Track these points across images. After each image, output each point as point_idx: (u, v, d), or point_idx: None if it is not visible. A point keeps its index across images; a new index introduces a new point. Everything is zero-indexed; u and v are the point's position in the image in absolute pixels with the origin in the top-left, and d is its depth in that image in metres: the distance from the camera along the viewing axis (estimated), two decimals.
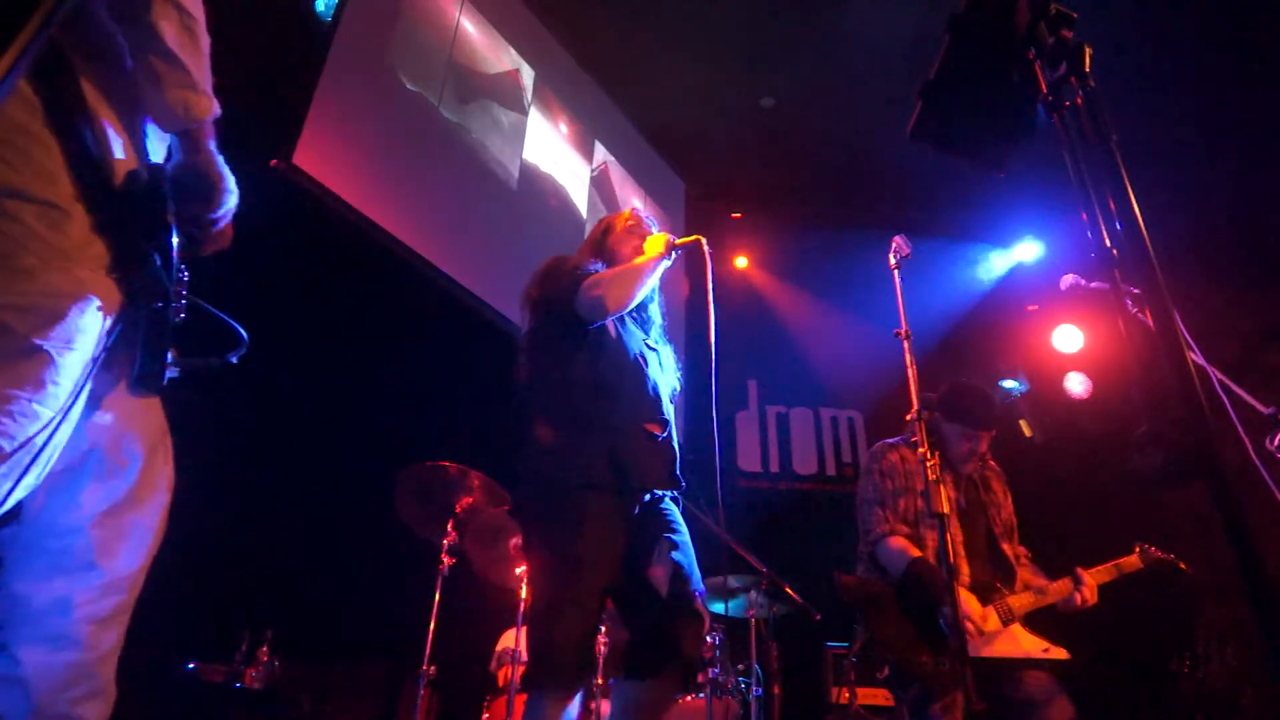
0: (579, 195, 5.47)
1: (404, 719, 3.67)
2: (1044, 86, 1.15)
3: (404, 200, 4.06)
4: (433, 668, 2.96)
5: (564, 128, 5.46)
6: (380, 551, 3.72)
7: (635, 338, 2.36)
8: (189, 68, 1.18)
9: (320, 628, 3.57)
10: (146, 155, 1.28)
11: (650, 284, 2.34)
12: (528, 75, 5.18)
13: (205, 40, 1.22)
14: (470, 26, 4.79)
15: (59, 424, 1.10)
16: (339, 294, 4.00)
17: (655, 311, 2.53)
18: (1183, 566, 2.89)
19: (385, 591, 3.76)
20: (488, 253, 4.56)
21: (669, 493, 2.14)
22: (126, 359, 1.25)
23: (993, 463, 3.04)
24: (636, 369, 2.25)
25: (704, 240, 2.37)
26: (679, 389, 2.45)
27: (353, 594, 3.74)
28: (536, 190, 5.09)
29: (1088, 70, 1.12)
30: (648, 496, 2.09)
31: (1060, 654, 2.52)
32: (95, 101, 1.17)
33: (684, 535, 2.12)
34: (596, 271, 2.28)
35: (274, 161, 3.39)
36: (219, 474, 3.00)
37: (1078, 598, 2.65)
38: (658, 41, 5.28)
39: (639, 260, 2.35)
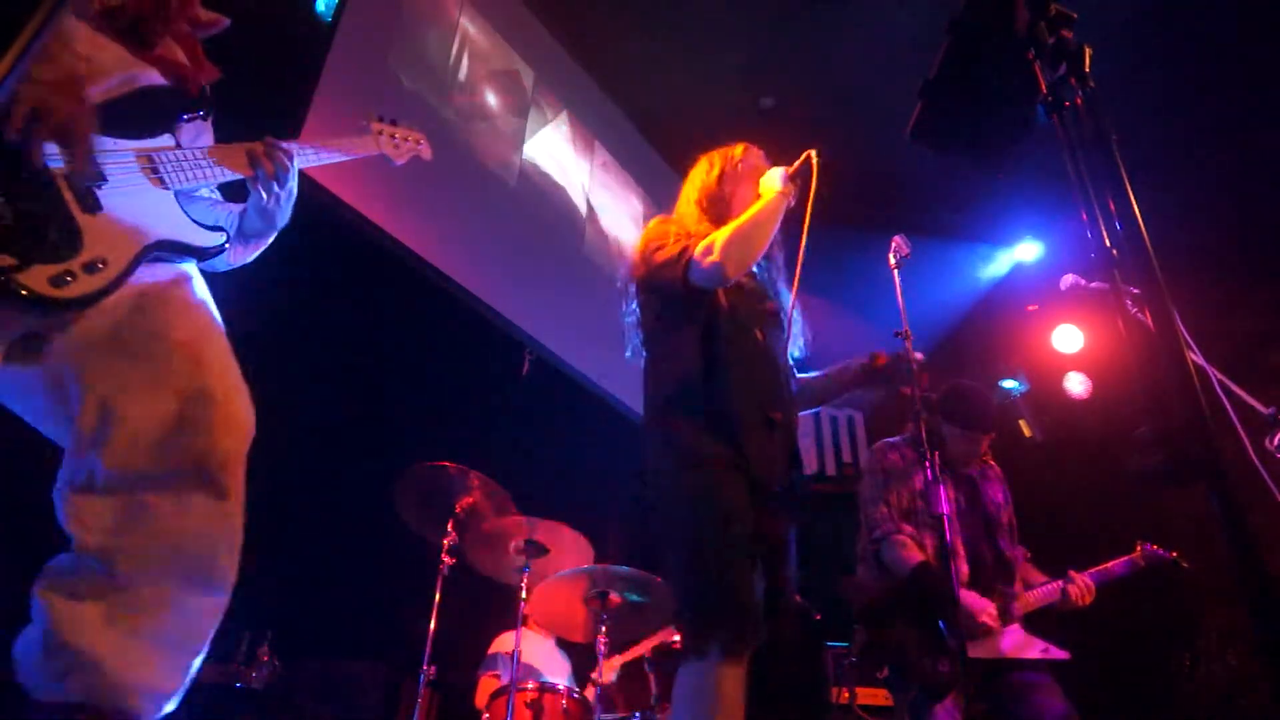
0: (579, 195, 5.46)
1: (404, 719, 3.67)
2: (1044, 87, 1.15)
3: (403, 200, 4.06)
4: (433, 668, 2.96)
5: (564, 127, 5.46)
6: (380, 551, 3.71)
7: (750, 300, 2.11)
8: None
9: (320, 628, 3.57)
10: None
11: (773, 232, 2.05)
12: (528, 75, 5.18)
13: None
14: (470, 27, 4.79)
15: None
16: (338, 294, 4.00)
17: (777, 259, 2.26)
18: (1184, 565, 2.89)
19: (385, 591, 3.76)
20: (487, 252, 4.55)
21: (785, 485, 1.97)
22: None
23: (993, 464, 3.04)
24: (753, 344, 2.02)
25: (814, 154, 2.11)
26: (802, 351, 2.23)
27: (353, 594, 3.74)
28: (536, 190, 5.09)
29: (1087, 70, 1.12)
30: (776, 488, 1.93)
31: (1060, 655, 2.53)
32: None
33: (792, 548, 1.97)
34: (704, 237, 1.98)
35: None
36: None
37: (1074, 593, 2.66)
38: (658, 41, 5.28)
39: (754, 210, 2.04)
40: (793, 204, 2.10)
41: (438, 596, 3.08)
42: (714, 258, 1.90)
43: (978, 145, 1.42)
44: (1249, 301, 4.97)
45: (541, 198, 5.13)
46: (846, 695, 3.94)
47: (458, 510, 3.24)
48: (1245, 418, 1.96)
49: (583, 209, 5.45)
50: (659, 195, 6.23)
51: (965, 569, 2.66)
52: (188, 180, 1.44)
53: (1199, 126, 5.01)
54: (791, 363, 2.20)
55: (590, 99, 5.72)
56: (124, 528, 1.22)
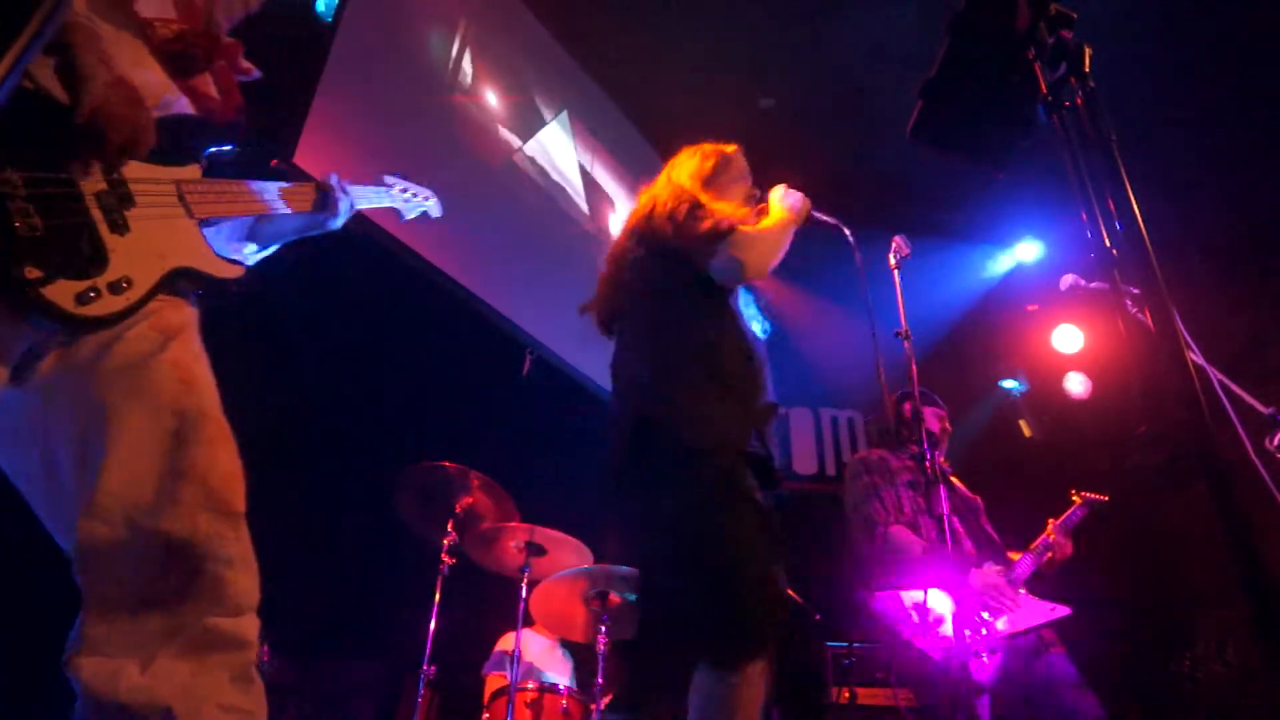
0: (579, 195, 5.46)
1: (404, 719, 3.67)
2: (1044, 86, 1.15)
3: None
4: (433, 668, 2.96)
5: (564, 127, 5.46)
6: (380, 551, 3.72)
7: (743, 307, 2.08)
8: None
9: (320, 628, 3.57)
10: None
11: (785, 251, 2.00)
12: (528, 75, 5.18)
13: None
14: (470, 27, 4.79)
15: None
16: (338, 294, 4.00)
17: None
18: (1105, 499, 2.98)
19: (385, 591, 3.76)
20: (487, 252, 4.55)
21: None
22: None
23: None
24: (759, 343, 1.99)
25: (847, 231, 2.10)
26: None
27: (353, 594, 3.74)
28: (536, 189, 5.09)
29: (1087, 70, 1.12)
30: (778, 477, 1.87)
31: (1064, 610, 2.57)
32: None
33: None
34: (737, 227, 1.91)
35: (274, 161, 3.39)
36: None
37: (1057, 550, 2.74)
38: (658, 41, 5.28)
39: (779, 222, 2.01)
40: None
41: (438, 596, 3.08)
42: (740, 255, 1.85)
43: (978, 145, 1.42)
44: (1249, 301, 4.97)
45: (541, 197, 5.13)
46: (847, 695, 3.94)
47: (458, 510, 3.24)
48: (1245, 418, 1.96)
49: (583, 208, 5.45)
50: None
51: (972, 550, 2.71)
52: (213, 212, 1.43)
53: (1199, 126, 5.01)
54: None
55: (590, 99, 5.72)
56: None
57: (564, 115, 5.46)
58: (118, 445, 1.19)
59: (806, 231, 2.11)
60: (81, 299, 1.16)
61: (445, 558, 3.14)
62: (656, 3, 5.05)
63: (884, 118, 5.06)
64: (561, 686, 3.16)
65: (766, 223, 2.01)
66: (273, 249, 1.68)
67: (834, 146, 5.81)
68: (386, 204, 1.95)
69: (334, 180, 1.68)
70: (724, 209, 1.98)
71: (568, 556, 3.27)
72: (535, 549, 3.20)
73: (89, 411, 1.20)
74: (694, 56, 5.33)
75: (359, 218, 3.86)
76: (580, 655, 3.72)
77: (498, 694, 3.14)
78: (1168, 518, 4.73)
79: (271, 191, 1.56)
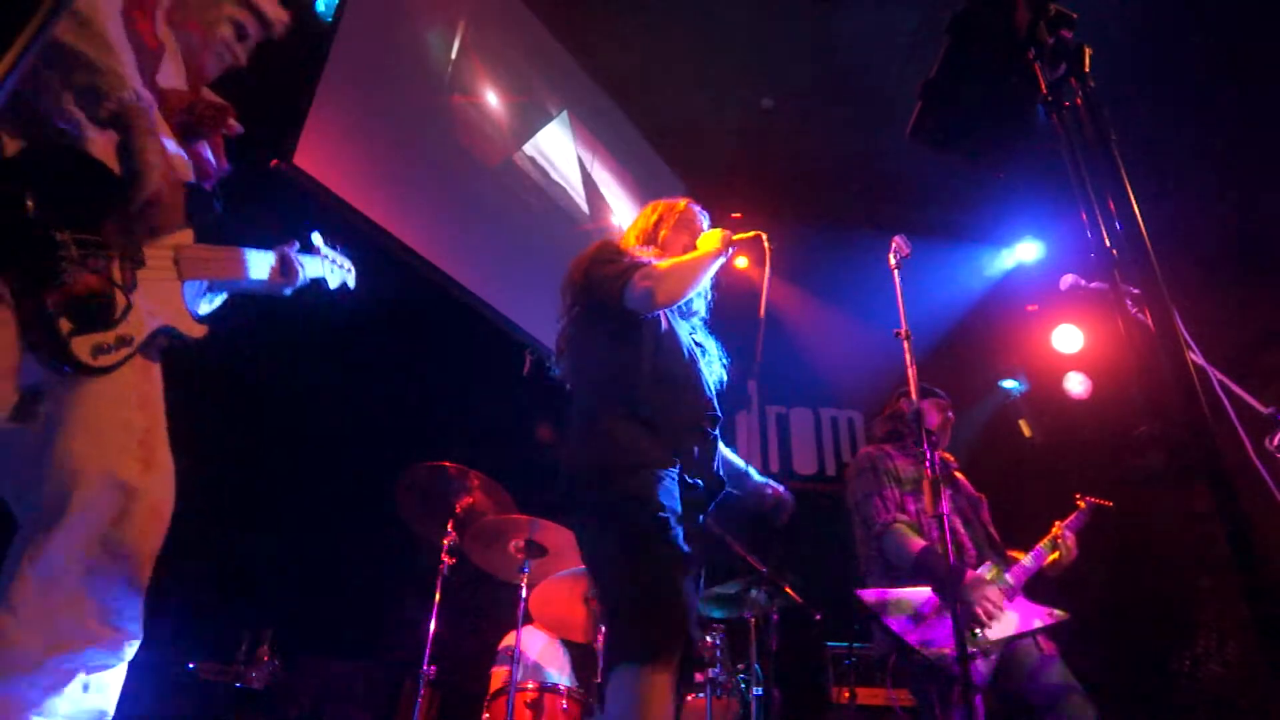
0: (579, 195, 5.46)
1: (404, 719, 3.67)
2: (1044, 87, 1.15)
3: (404, 200, 4.06)
4: (433, 668, 2.96)
5: (565, 128, 5.46)
6: (380, 551, 3.72)
7: (684, 329, 2.27)
8: (89, 55, 1.30)
9: (320, 628, 3.57)
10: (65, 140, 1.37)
11: (705, 280, 2.23)
12: (528, 75, 5.18)
13: (112, 29, 1.33)
14: (471, 27, 4.78)
15: None
16: (338, 294, 3.99)
17: (701, 305, 2.43)
18: (1109, 505, 3.00)
19: (385, 591, 3.76)
20: (488, 252, 4.56)
21: (707, 489, 2.07)
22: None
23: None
24: (691, 363, 2.17)
25: (765, 236, 2.27)
26: (725, 383, 2.36)
27: (353, 594, 3.74)
28: (536, 190, 5.09)
29: (1087, 70, 1.12)
30: (702, 493, 2.03)
31: (1062, 615, 2.57)
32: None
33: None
34: (648, 262, 2.15)
35: (274, 161, 3.38)
36: (219, 474, 3.00)
37: (1062, 551, 2.74)
38: (658, 42, 5.28)
39: (695, 254, 2.22)
40: (725, 259, 2.26)
41: (438, 596, 3.08)
42: (648, 284, 2.04)
43: (978, 145, 1.42)
44: (1249, 301, 4.97)
45: (542, 197, 5.13)
46: (847, 695, 3.95)
47: (458, 510, 3.24)
48: (1245, 418, 1.96)
49: (583, 208, 5.45)
50: (659, 195, 6.22)
51: (972, 551, 2.70)
52: (198, 275, 1.61)
53: (1199, 126, 5.01)
54: (718, 386, 2.32)
55: (591, 99, 5.72)
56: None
57: (564, 115, 5.46)
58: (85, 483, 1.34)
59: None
60: (96, 352, 1.33)
61: (445, 558, 3.14)
62: (657, 3, 5.05)
63: (884, 118, 5.08)
64: (562, 686, 3.15)
65: (680, 258, 2.22)
66: (223, 297, 1.84)
67: (834, 146, 5.81)
68: (321, 273, 2.10)
69: (292, 251, 1.89)
70: (635, 253, 2.24)
71: (567, 555, 3.27)
72: (535, 549, 3.20)
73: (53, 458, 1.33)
74: (694, 56, 5.33)
75: (360, 218, 3.87)
76: (580, 655, 3.72)
77: (498, 694, 3.14)
78: (1168, 518, 4.72)
79: (248, 258, 1.75)
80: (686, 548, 1.84)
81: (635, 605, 1.79)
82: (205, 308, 1.72)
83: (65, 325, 1.28)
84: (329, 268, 2.12)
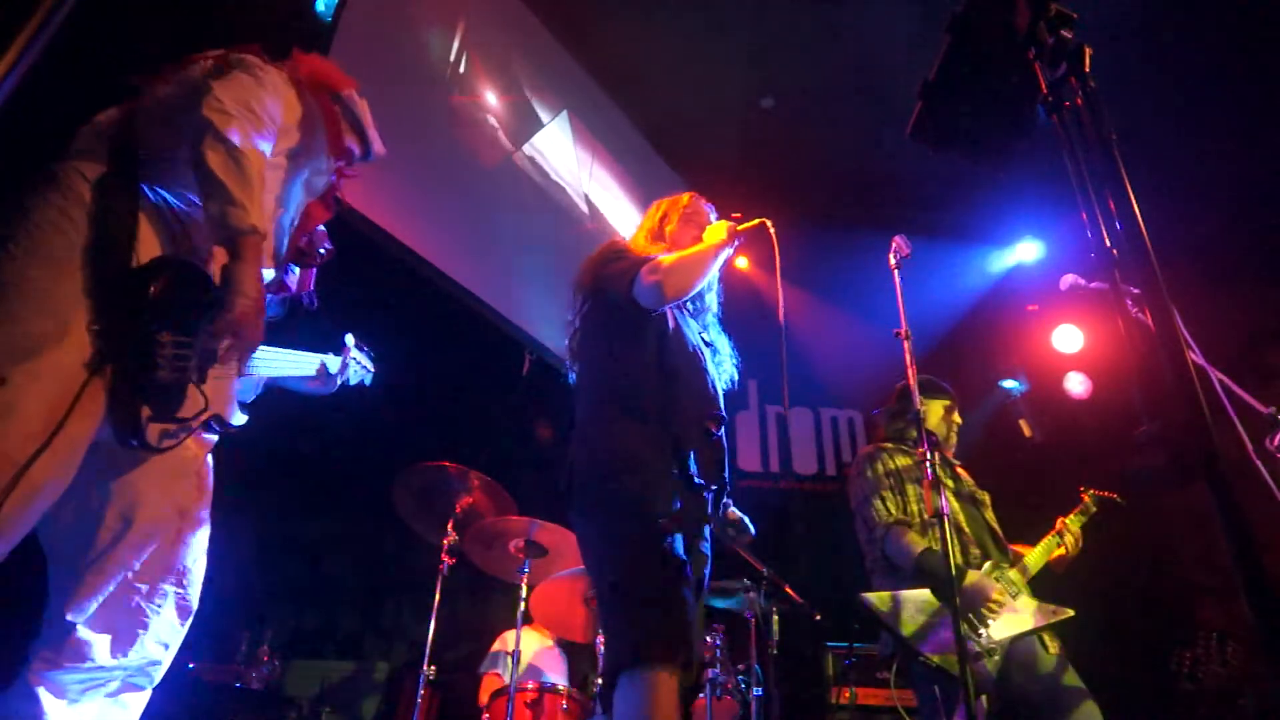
0: (579, 194, 5.46)
1: (404, 719, 3.67)
2: (1044, 86, 1.15)
3: (404, 200, 4.05)
4: (433, 668, 2.96)
5: (564, 127, 5.46)
6: (380, 551, 3.72)
7: (692, 328, 2.27)
8: (229, 187, 1.49)
9: (320, 628, 3.57)
10: (196, 253, 1.63)
11: (712, 272, 2.22)
12: (528, 75, 5.18)
13: (254, 172, 1.54)
14: (471, 27, 4.78)
15: (41, 450, 1.32)
16: (338, 294, 3.99)
17: (712, 300, 2.42)
18: (1121, 500, 3.00)
19: (385, 592, 3.76)
20: (488, 252, 4.55)
21: (713, 491, 2.06)
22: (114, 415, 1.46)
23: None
24: (696, 361, 2.16)
25: (770, 223, 2.25)
26: (735, 381, 2.35)
27: (352, 594, 3.74)
28: (536, 190, 5.09)
29: (1087, 70, 1.12)
30: (705, 494, 2.02)
31: (1067, 613, 2.57)
32: (144, 210, 1.54)
33: (708, 543, 2.06)
34: (655, 258, 2.15)
35: None
36: (218, 474, 3.00)
37: (1069, 544, 2.73)
38: (658, 42, 5.28)
39: (700, 246, 2.22)
40: (732, 251, 2.26)
41: (438, 596, 3.08)
42: (655, 278, 2.05)
43: (978, 145, 1.42)
44: (1249, 301, 4.97)
45: (542, 197, 5.13)
46: (847, 695, 3.95)
47: (458, 510, 3.24)
48: (1245, 418, 1.96)
49: (583, 208, 5.45)
50: (659, 195, 6.22)
51: (976, 550, 2.69)
52: (256, 372, 1.86)
53: (1200, 125, 5.01)
54: (727, 386, 2.32)
55: (590, 99, 5.72)
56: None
57: (564, 115, 5.46)
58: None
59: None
60: (163, 437, 1.52)
61: (445, 558, 3.14)
62: (657, 3, 5.05)
63: (884, 118, 5.08)
64: (561, 686, 3.15)
65: (685, 251, 2.21)
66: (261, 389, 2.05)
67: (834, 146, 5.81)
68: (348, 378, 2.34)
69: (331, 362, 2.21)
70: (644, 249, 2.27)
71: (567, 555, 3.27)
72: (535, 549, 3.20)
73: (126, 495, 1.56)
74: (694, 56, 5.33)
75: (360, 218, 3.87)
76: (580, 655, 3.72)
77: (498, 694, 3.13)
78: (1168, 518, 4.72)
79: (298, 363, 2.03)
80: (685, 555, 1.83)
81: (633, 609, 1.78)
82: (250, 396, 1.92)
83: (146, 411, 1.47)
84: (355, 369, 2.35)
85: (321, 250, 1.96)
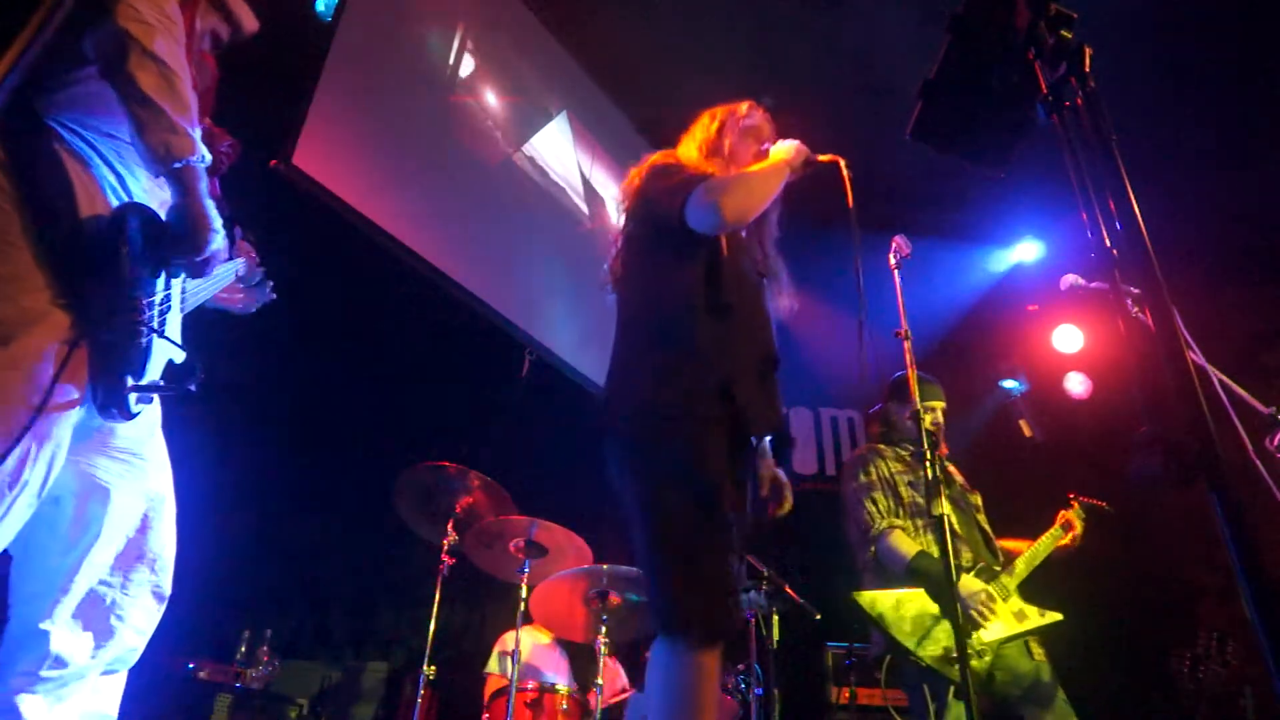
0: (579, 194, 5.46)
1: (404, 719, 3.67)
2: (1044, 87, 1.15)
3: (404, 200, 4.05)
4: (433, 668, 2.96)
5: (564, 127, 5.45)
6: (380, 551, 3.72)
7: (749, 257, 2.04)
8: (169, 112, 1.31)
9: (320, 628, 3.57)
10: (132, 197, 1.45)
11: (774, 195, 1.97)
12: (528, 75, 5.18)
13: (186, 90, 1.36)
14: (470, 27, 4.78)
15: (18, 440, 1.23)
16: (338, 294, 4.00)
17: (773, 225, 2.20)
18: (1110, 510, 2.96)
19: (385, 592, 3.76)
20: (488, 252, 4.55)
21: (769, 438, 1.89)
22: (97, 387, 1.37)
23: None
24: (754, 294, 1.95)
25: (844, 162, 2.08)
26: (795, 311, 2.15)
27: (352, 594, 3.74)
28: (537, 190, 5.09)
29: (1088, 70, 1.12)
30: (753, 441, 1.84)
31: (1055, 616, 2.57)
32: (67, 154, 1.35)
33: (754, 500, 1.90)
34: (711, 175, 1.91)
35: (273, 161, 3.38)
36: (219, 474, 3.00)
37: (1068, 540, 2.73)
38: (658, 42, 5.28)
39: (764, 164, 1.99)
40: (795, 177, 2.05)
41: (438, 596, 3.08)
42: (713, 198, 1.80)
43: (978, 145, 1.42)
44: (1249, 301, 4.98)
45: (542, 197, 5.13)
46: (847, 695, 3.95)
47: (458, 510, 3.23)
48: (1245, 418, 1.96)
49: (583, 208, 5.45)
50: None
51: (968, 553, 2.69)
52: (188, 306, 1.68)
53: (1199, 126, 5.01)
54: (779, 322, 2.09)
55: (590, 99, 5.72)
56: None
57: (564, 115, 5.45)
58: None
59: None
60: (137, 401, 1.42)
61: (445, 558, 3.14)
62: (658, 4, 5.05)
63: (884, 117, 5.07)
64: (561, 686, 3.15)
65: (750, 169, 1.99)
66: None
67: (834, 147, 5.79)
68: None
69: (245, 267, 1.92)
70: (699, 165, 2.00)
71: (567, 556, 3.27)
72: (535, 549, 3.20)
73: (95, 486, 1.46)
74: (694, 56, 5.32)
75: (359, 218, 3.86)
76: (580, 655, 3.72)
77: (498, 694, 3.13)
78: (1168, 518, 4.72)
79: (224, 270, 1.77)
80: (730, 517, 1.67)
81: (674, 585, 1.61)
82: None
83: (129, 381, 1.38)
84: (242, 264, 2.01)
85: (223, 150, 1.68)
